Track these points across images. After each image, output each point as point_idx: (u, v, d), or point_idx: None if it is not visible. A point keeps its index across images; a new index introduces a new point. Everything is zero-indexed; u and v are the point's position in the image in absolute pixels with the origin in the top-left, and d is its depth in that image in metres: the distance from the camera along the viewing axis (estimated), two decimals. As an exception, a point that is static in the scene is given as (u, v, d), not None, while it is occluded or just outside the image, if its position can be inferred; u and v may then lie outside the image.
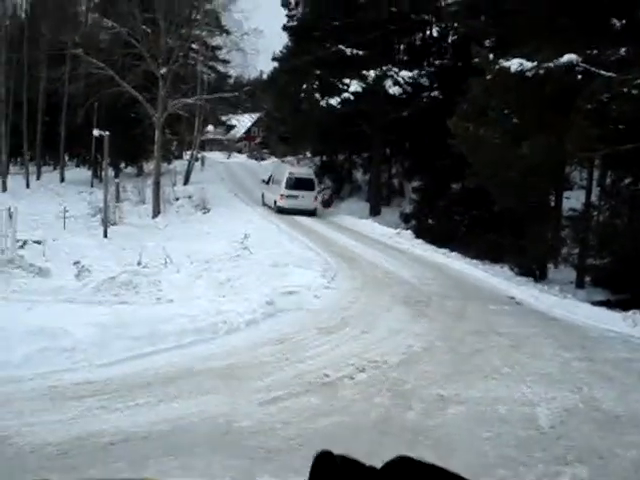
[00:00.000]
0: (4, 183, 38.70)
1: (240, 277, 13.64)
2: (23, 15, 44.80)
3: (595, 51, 16.04)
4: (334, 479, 1.27)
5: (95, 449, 5.20)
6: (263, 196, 32.25)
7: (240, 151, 70.20)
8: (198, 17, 34.59)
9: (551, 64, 15.79)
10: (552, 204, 20.20)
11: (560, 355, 8.94)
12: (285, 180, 28.85)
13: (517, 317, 11.68)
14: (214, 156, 56.12)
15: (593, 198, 19.71)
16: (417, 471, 1.26)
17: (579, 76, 15.91)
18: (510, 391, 7.16)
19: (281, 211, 28.39)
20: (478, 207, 23.45)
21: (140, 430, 5.57)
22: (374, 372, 7.60)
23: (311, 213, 28.89)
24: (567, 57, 15.67)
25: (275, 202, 29.24)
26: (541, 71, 15.92)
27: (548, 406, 6.77)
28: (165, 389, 6.65)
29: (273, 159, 55.15)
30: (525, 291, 14.72)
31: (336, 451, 1.29)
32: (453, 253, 19.70)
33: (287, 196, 28.50)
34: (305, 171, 32.20)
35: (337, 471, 1.28)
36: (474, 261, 18.74)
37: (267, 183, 31.89)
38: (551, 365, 8.39)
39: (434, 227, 26.88)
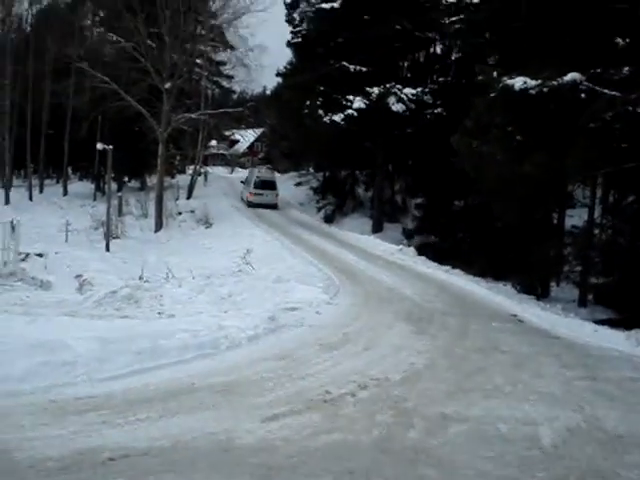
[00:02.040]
0: (7, 196, 38.86)
1: (242, 292, 13.63)
2: (28, 28, 45.11)
3: (599, 70, 16.10)
4: None
5: (95, 464, 5.17)
6: (242, 193, 40.11)
7: (243, 166, 70.15)
8: (203, 32, 34.82)
9: (555, 82, 15.86)
10: (555, 222, 20.20)
11: (562, 374, 8.90)
12: (254, 182, 37.41)
13: (519, 335, 11.63)
14: (217, 171, 56.21)
15: (596, 216, 19.70)
16: None
17: (583, 95, 15.98)
18: (512, 410, 7.11)
19: (250, 205, 36.62)
20: (481, 224, 23.44)
21: (141, 446, 5.53)
22: (376, 389, 7.56)
23: (273, 207, 36.73)
24: (571, 76, 15.75)
25: (247, 198, 37.57)
26: (545, 89, 15.99)
27: (551, 425, 6.72)
28: (166, 404, 6.61)
29: (276, 174, 55.18)
30: (527, 309, 14.69)
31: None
32: (455, 270, 19.69)
33: (255, 194, 36.91)
34: (269, 175, 39.46)
35: None
36: (476, 278, 18.73)
37: (243, 183, 40.67)
38: (553, 384, 8.34)
39: (437, 244, 26.92)
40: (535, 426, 6.68)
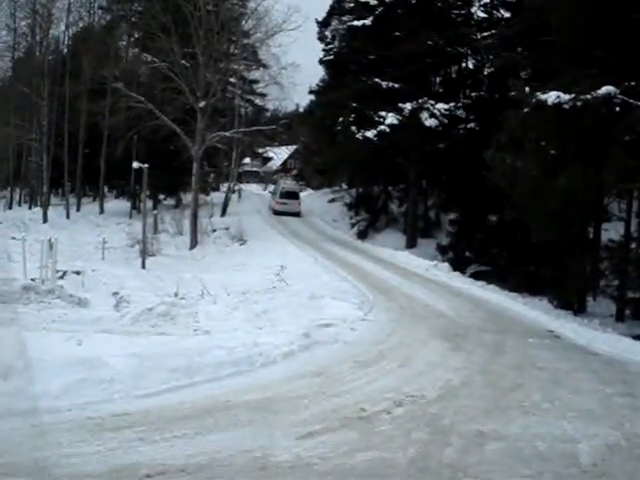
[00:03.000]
0: (45, 214, 39.44)
1: (277, 309, 13.67)
2: (65, 50, 45.94)
3: (633, 82, 15.93)
4: None
5: (132, 481, 5.21)
6: (269, 202, 44.01)
7: (276, 183, 70.64)
8: (236, 51, 35.15)
9: (588, 96, 15.72)
10: (590, 236, 19.95)
11: (601, 390, 8.76)
12: (279, 192, 41.92)
13: (556, 351, 11.49)
14: (251, 188, 56.58)
15: (632, 229, 19.41)
16: None
17: (617, 108, 15.80)
18: (550, 427, 7.02)
19: (276, 213, 40.58)
20: (516, 239, 23.22)
21: (177, 463, 5.55)
22: (412, 407, 7.51)
23: (296, 214, 40.33)
24: (605, 89, 15.60)
25: (273, 207, 41.63)
26: (578, 103, 15.86)
27: (590, 443, 6.62)
28: (202, 421, 6.64)
29: (309, 191, 55.91)
30: (564, 324, 14.51)
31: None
32: (490, 285, 19.55)
33: (280, 203, 40.97)
34: (293, 186, 44.92)
35: None
36: (512, 294, 18.55)
37: (272, 194, 45.19)
38: (592, 401, 8.22)
39: (471, 259, 26.71)
40: (573, 444, 6.59)
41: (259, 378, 8.42)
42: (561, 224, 17.16)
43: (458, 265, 24.28)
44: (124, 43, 46.28)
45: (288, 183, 46.26)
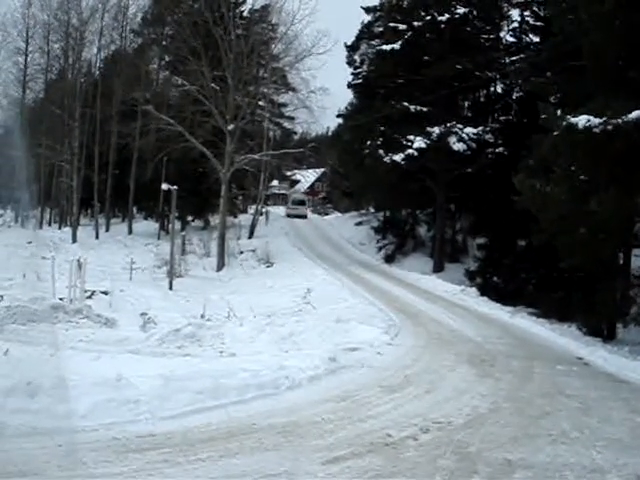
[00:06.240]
0: (74, 234, 39.85)
1: (303, 332, 13.63)
2: (97, 73, 46.66)
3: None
4: None
5: (156, 503, 5.19)
6: (285, 209, 55.85)
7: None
8: (265, 75, 35.44)
9: (619, 120, 15.58)
10: (620, 261, 19.69)
11: (631, 419, 8.59)
12: (291, 200, 57.10)
13: (585, 379, 11.31)
14: (278, 211, 56.90)
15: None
16: None
17: (648, 132, 15.64)
18: (579, 457, 6.89)
19: (289, 216, 52.30)
20: (545, 265, 22.99)
21: (201, 486, 5.54)
22: (438, 433, 7.43)
23: (304, 217, 53.05)
24: (635, 113, 15.46)
25: (286, 212, 53.95)
26: (609, 127, 15.71)
27: (619, 473, 6.49)
28: (227, 444, 6.62)
29: (336, 214, 56.77)
30: (594, 352, 14.26)
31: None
32: (519, 311, 19.33)
33: (291, 208, 54.51)
34: (301, 196, 60.43)
35: None
36: (541, 320, 18.34)
37: (286, 203, 58.76)
38: (622, 430, 8.06)
39: (499, 285, 26.50)
40: (603, 474, 6.46)
41: (284, 401, 8.39)
42: (591, 250, 16.95)
43: (486, 290, 24.08)
44: (155, 66, 46.96)
45: (297, 194, 61.55)
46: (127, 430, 6.81)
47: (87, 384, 7.53)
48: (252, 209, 46.37)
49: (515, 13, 34.74)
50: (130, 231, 43.12)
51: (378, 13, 42.06)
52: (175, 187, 25.77)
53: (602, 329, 18.43)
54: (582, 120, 16.00)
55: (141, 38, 46.64)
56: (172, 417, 7.36)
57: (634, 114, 15.46)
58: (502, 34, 34.77)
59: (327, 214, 62.72)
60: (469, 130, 30.82)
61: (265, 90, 37.36)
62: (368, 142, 33.50)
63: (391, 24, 34.84)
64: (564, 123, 16.49)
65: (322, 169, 73.78)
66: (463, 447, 6.99)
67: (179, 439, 6.70)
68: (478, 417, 8.23)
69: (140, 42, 46.63)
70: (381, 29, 39.44)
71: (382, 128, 32.60)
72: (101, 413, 7.07)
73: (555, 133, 17.18)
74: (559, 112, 17.08)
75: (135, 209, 47.36)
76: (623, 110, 15.59)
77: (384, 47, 34.37)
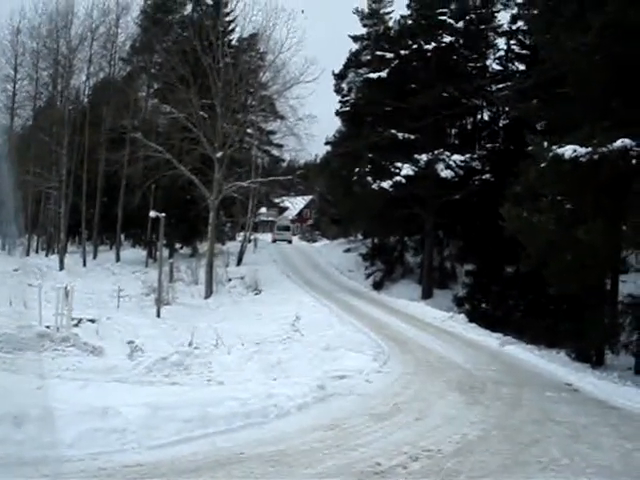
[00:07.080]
0: (61, 261, 39.66)
1: (291, 360, 13.57)
2: (85, 100, 46.73)
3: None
4: None
5: (143, 535, 5.12)
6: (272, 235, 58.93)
7: (293, 233, 71.00)
8: (254, 103, 35.54)
9: (605, 149, 15.73)
10: (608, 287, 19.76)
11: (621, 445, 8.57)
12: (277, 227, 60.44)
13: (575, 405, 11.30)
14: (267, 238, 56.92)
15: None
16: None
17: (633, 160, 15.80)
18: (570, 484, 6.87)
19: (274, 241, 54.95)
20: (533, 291, 23.07)
21: (188, 516, 5.47)
22: (428, 462, 7.37)
23: (289, 242, 55.58)
24: (620, 142, 15.62)
25: (272, 237, 57.08)
26: (595, 156, 15.86)
27: (610, 500, 6.47)
28: (214, 474, 6.54)
29: (325, 241, 56.84)
30: (583, 378, 14.27)
31: None
32: (507, 337, 19.32)
33: (277, 234, 57.48)
34: (286, 222, 65.54)
35: None
36: (529, 346, 18.32)
37: (273, 230, 61.09)
38: (612, 456, 8.03)
39: (488, 311, 26.56)
40: (594, 502, 6.43)
41: (273, 430, 8.31)
42: (578, 276, 17.02)
43: (474, 317, 24.09)
44: (143, 94, 47.03)
45: (283, 220, 66.74)
46: (114, 460, 6.72)
47: (73, 413, 7.44)
48: (240, 236, 46.27)
49: (501, 42, 35.33)
50: (118, 258, 42.94)
51: (365, 42, 42.62)
52: (163, 214, 25.76)
53: (591, 355, 18.47)
54: (568, 151, 16.16)
55: (130, 66, 46.83)
56: (159, 446, 7.28)
57: (619, 143, 15.62)
58: (488, 62, 35.33)
59: (315, 241, 62.73)
60: (456, 157, 31.07)
61: (253, 118, 37.43)
62: (356, 169, 33.73)
63: (378, 52, 35.31)
64: (551, 154, 16.63)
65: (310, 196, 74.00)
66: (453, 475, 6.94)
67: (166, 469, 6.61)
68: (467, 445, 8.18)
69: (129, 70, 46.82)
70: (368, 57, 39.94)
71: (370, 155, 32.84)
72: (88, 442, 6.98)
73: (542, 164, 17.32)
74: (546, 144, 17.23)
75: (123, 236, 47.23)
76: (608, 139, 15.75)
77: (371, 75, 34.78)
